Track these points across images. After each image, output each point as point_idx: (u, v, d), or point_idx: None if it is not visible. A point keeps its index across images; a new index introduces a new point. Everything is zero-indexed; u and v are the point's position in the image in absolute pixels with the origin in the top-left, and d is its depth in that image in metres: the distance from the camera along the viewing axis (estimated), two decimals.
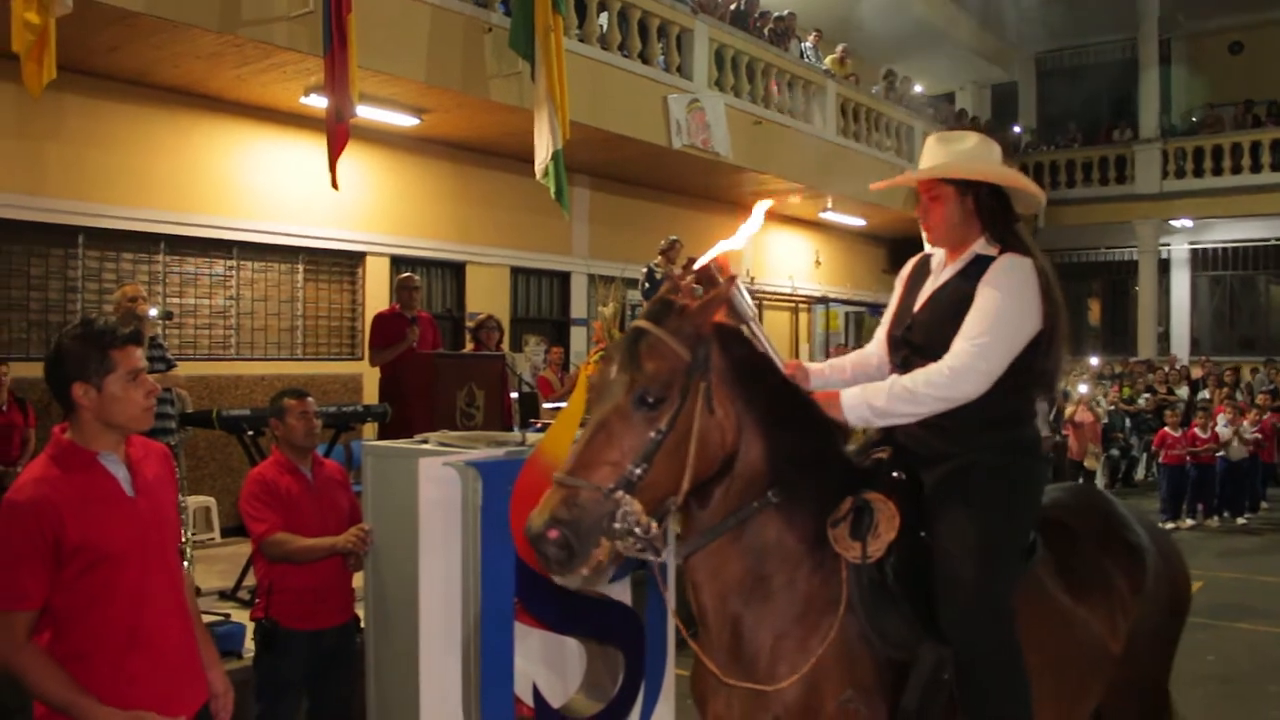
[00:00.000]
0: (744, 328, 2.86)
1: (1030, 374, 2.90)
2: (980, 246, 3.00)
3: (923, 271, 3.19)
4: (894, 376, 2.87)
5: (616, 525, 2.41)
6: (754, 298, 17.62)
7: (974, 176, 3.00)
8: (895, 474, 2.95)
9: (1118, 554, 3.36)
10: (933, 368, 2.80)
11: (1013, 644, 2.80)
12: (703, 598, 2.79)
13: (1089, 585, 3.22)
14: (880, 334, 3.34)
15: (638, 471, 2.46)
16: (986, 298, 2.84)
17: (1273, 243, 22.61)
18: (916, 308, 3.10)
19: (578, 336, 14.30)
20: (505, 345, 10.10)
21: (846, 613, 2.74)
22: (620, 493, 2.43)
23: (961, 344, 2.81)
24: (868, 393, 2.85)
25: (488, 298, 12.84)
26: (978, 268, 2.93)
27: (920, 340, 3.02)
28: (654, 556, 2.50)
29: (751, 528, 2.73)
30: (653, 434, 2.50)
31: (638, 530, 2.42)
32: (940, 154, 3.07)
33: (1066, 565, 3.19)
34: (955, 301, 2.92)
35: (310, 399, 4.78)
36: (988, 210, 3.00)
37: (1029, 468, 3.02)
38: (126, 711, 2.68)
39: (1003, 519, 2.87)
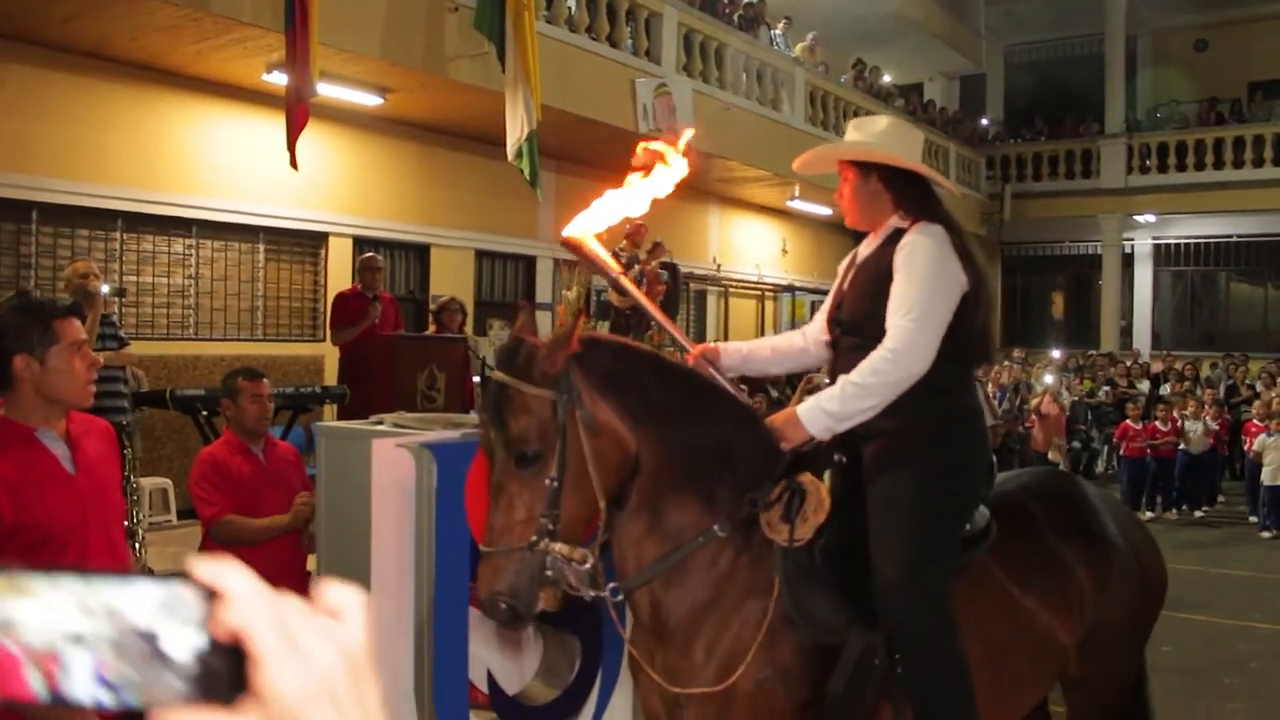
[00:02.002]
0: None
1: (961, 339, 2.86)
2: (895, 221, 3.01)
3: (855, 257, 3.22)
4: (842, 378, 2.80)
5: (549, 573, 2.52)
6: (720, 285, 17.59)
7: (859, 157, 3.05)
8: (837, 457, 2.93)
9: (1080, 545, 3.30)
10: (874, 355, 2.76)
11: (945, 616, 2.77)
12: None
13: (1043, 575, 3.17)
14: (819, 318, 3.39)
15: (549, 525, 2.53)
16: (907, 269, 2.83)
17: (1234, 239, 22.89)
18: (845, 286, 3.14)
19: (543, 320, 14.12)
20: (468, 328, 10.01)
21: (769, 594, 2.75)
22: (544, 541, 2.51)
23: (895, 321, 2.77)
24: (821, 400, 2.80)
25: (452, 280, 12.73)
26: (894, 240, 2.94)
27: (846, 316, 3.05)
28: (595, 590, 2.62)
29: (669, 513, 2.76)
30: (548, 482, 2.55)
31: (574, 567, 2.53)
32: (854, 138, 3.14)
33: (1021, 553, 3.15)
34: (874, 273, 2.94)
35: (265, 380, 4.66)
36: (897, 189, 3.01)
37: (966, 438, 2.99)
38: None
39: (936, 485, 2.84)
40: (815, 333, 3.34)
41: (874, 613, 2.77)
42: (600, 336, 2.83)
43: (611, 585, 2.71)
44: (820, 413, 2.76)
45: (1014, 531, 3.15)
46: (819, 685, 2.75)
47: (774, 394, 11.60)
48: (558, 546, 2.52)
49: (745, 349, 3.38)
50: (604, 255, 3.20)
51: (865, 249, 3.13)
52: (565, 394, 2.57)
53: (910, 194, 3.01)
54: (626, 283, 3.34)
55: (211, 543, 4.43)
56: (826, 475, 2.84)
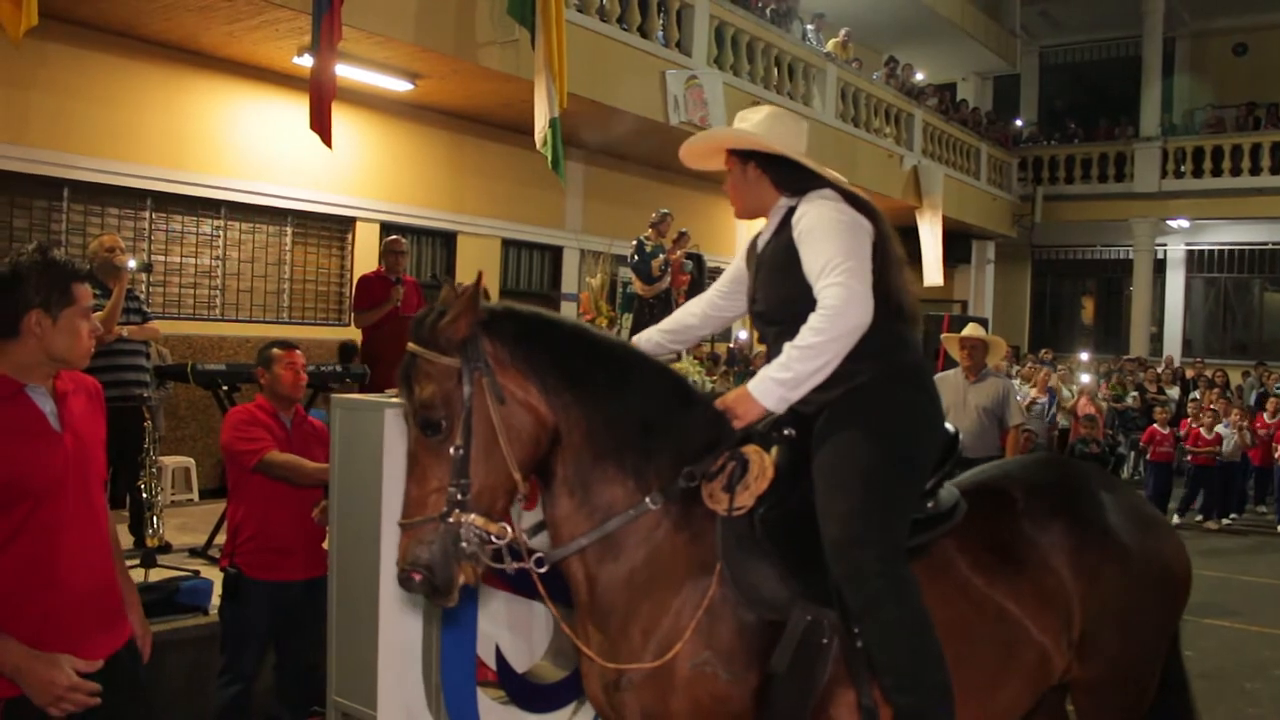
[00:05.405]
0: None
1: (882, 294, 2.77)
2: (785, 201, 2.97)
3: (755, 246, 3.17)
4: (786, 345, 2.71)
5: (464, 545, 2.45)
6: None
7: (731, 144, 3.03)
8: (786, 431, 2.86)
9: (1063, 534, 3.10)
10: (814, 317, 2.66)
11: (901, 571, 2.66)
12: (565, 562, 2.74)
13: (1014, 565, 3.00)
14: (713, 289, 3.41)
15: (458, 494, 2.47)
16: (811, 236, 2.77)
17: (1269, 247, 22.57)
18: (754, 278, 3.08)
19: (568, 310, 14.16)
20: None
21: (710, 572, 2.67)
22: (455, 512, 2.45)
23: (823, 284, 2.69)
24: (770, 371, 2.70)
25: (478, 268, 12.66)
26: (789, 218, 2.89)
27: (764, 307, 3.01)
28: (517, 563, 2.56)
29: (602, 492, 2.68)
30: (454, 450, 2.49)
31: (492, 540, 2.49)
32: (736, 128, 3.10)
33: (989, 539, 3.01)
34: (780, 257, 2.89)
35: (298, 351, 4.76)
36: (776, 172, 2.98)
37: (912, 390, 2.90)
38: (39, 653, 2.56)
39: (884, 437, 2.75)
40: (706, 304, 3.39)
41: (823, 589, 2.67)
42: (515, 307, 2.74)
43: (536, 555, 2.63)
44: (771, 382, 2.67)
45: (985, 516, 3.03)
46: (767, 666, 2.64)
47: None
48: (472, 518, 2.45)
49: (656, 337, 3.38)
50: None
51: (763, 237, 3.07)
52: (471, 361, 2.52)
53: (791, 176, 2.96)
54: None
55: (249, 480, 4.47)
56: (774, 449, 2.77)
